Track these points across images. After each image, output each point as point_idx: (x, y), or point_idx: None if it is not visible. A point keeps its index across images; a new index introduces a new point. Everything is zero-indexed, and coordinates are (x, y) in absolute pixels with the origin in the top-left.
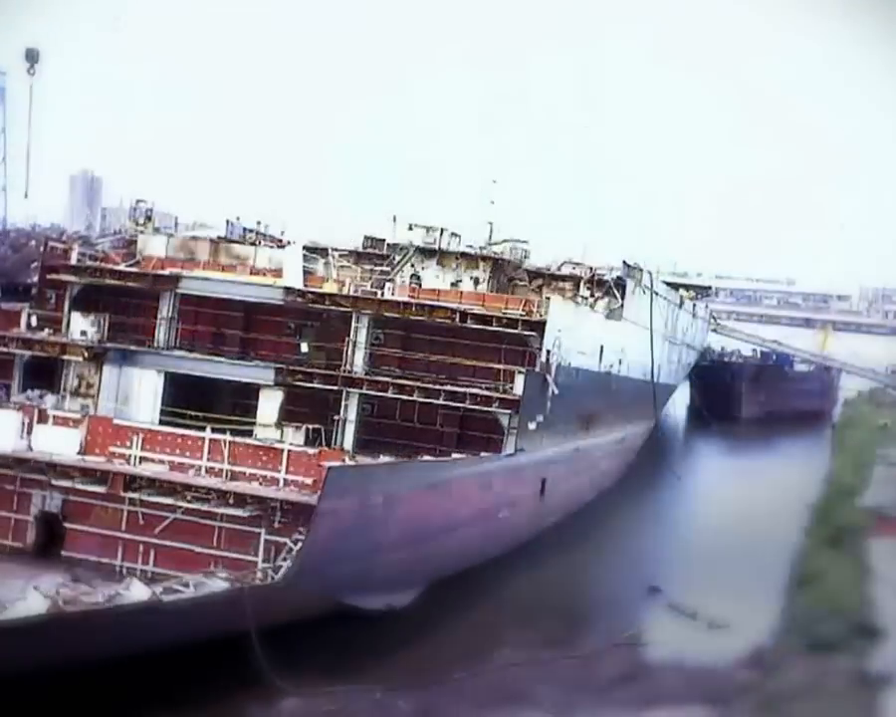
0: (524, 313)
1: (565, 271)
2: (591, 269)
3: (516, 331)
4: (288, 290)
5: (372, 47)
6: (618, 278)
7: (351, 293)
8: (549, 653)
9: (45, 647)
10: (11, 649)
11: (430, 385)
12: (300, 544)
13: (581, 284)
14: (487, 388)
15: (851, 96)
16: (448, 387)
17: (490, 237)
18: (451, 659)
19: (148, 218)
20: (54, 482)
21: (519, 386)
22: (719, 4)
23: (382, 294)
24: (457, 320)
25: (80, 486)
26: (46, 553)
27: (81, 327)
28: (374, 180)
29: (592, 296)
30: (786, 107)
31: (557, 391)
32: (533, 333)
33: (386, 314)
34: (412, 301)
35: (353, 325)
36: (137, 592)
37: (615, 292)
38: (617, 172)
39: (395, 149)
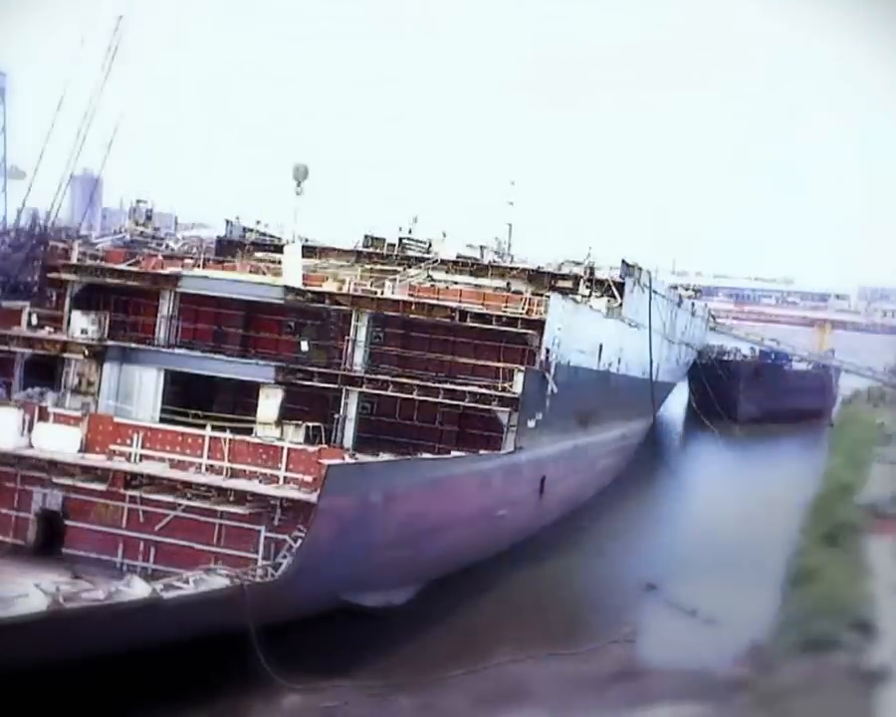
0: (523, 311)
1: (565, 270)
2: (591, 268)
3: (515, 329)
4: (288, 289)
5: (371, 45)
6: (618, 277)
7: (351, 292)
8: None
9: (45, 644)
10: (12, 646)
11: (430, 384)
12: (300, 541)
13: (581, 283)
14: (486, 387)
15: (851, 94)
16: (447, 386)
17: (509, 237)
18: (450, 656)
19: (149, 218)
20: (54, 480)
21: (518, 385)
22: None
23: (382, 292)
24: (456, 318)
25: (80, 484)
26: (46, 550)
27: (81, 325)
28: (376, 179)
29: (592, 295)
30: (786, 106)
31: (556, 390)
32: (532, 331)
33: (386, 312)
34: (412, 299)
35: (353, 323)
36: (138, 588)
37: (614, 291)
38: (616, 172)
39: (397, 149)
